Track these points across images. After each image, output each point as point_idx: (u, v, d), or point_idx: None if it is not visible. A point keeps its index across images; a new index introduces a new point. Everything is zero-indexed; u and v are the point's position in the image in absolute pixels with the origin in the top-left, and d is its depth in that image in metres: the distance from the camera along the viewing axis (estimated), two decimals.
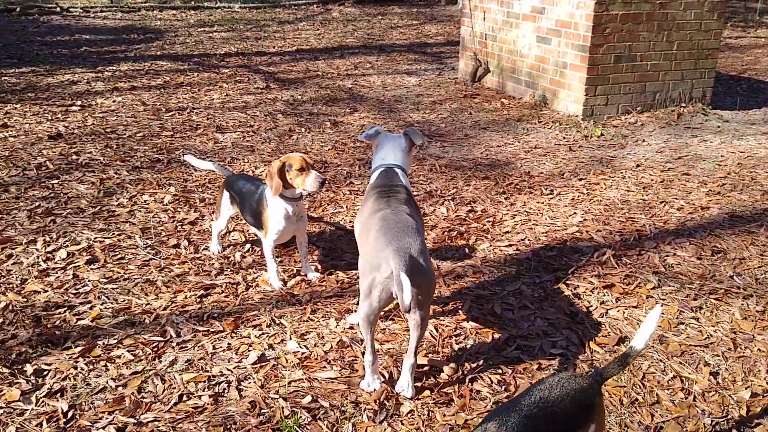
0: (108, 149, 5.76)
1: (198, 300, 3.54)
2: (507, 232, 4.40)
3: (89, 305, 3.46)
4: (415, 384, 2.84)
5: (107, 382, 2.88)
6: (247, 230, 4.30)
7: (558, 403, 2.06)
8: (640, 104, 6.96)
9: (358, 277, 3.40)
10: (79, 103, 7.17)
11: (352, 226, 4.28)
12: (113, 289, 3.62)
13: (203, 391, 2.84)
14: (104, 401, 2.77)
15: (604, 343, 3.21)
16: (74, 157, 5.56)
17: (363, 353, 2.99)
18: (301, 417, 2.69)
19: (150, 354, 3.08)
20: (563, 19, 6.72)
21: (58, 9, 13.89)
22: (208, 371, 2.97)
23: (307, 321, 3.37)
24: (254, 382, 2.91)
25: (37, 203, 4.63)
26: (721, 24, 7.10)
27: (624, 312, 3.48)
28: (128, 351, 3.09)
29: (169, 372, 2.96)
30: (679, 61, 6.97)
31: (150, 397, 2.80)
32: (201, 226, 4.40)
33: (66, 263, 3.87)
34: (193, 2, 15.22)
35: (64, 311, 3.40)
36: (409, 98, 7.70)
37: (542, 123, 6.75)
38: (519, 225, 4.50)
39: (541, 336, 3.27)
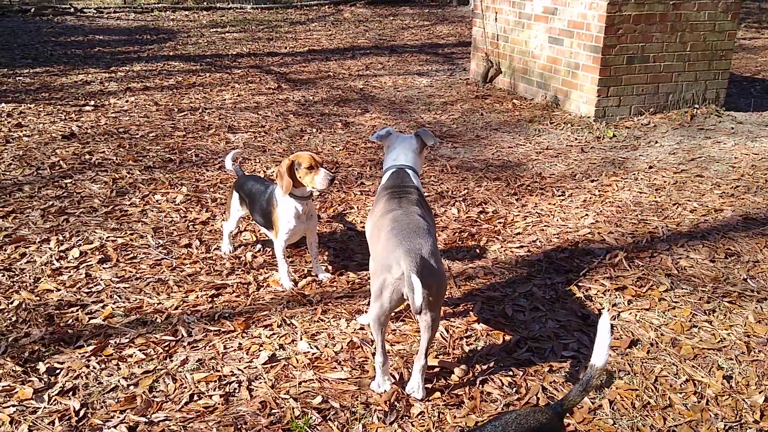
0: (121, 149, 5.79)
1: (209, 300, 3.55)
2: (518, 233, 4.38)
3: (101, 304, 3.48)
4: (426, 385, 2.83)
5: (119, 381, 2.89)
6: (258, 230, 4.31)
7: None
8: (652, 105, 6.92)
9: (368, 278, 3.40)
10: (92, 103, 7.22)
11: (363, 227, 4.28)
12: (125, 288, 3.64)
13: (214, 390, 2.85)
14: (116, 400, 2.78)
15: (616, 346, 3.19)
16: (87, 156, 5.59)
17: (373, 354, 2.98)
18: (311, 417, 2.69)
19: (161, 353, 3.09)
20: (575, 20, 6.70)
21: (72, 10, 14.00)
22: (219, 371, 2.98)
23: (317, 321, 3.38)
24: (265, 382, 2.91)
25: (51, 202, 4.67)
26: (735, 25, 7.05)
27: (636, 314, 3.45)
28: (140, 350, 3.11)
29: (181, 371, 2.97)
30: (692, 62, 6.92)
31: (161, 397, 2.81)
32: (213, 225, 4.41)
33: (79, 262, 3.89)
34: (205, 3, 15.29)
35: (77, 310, 3.42)
36: (421, 99, 7.70)
37: (554, 124, 6.72)
38: (530, 226, 4.48)
39: (552, 338, 3.25)
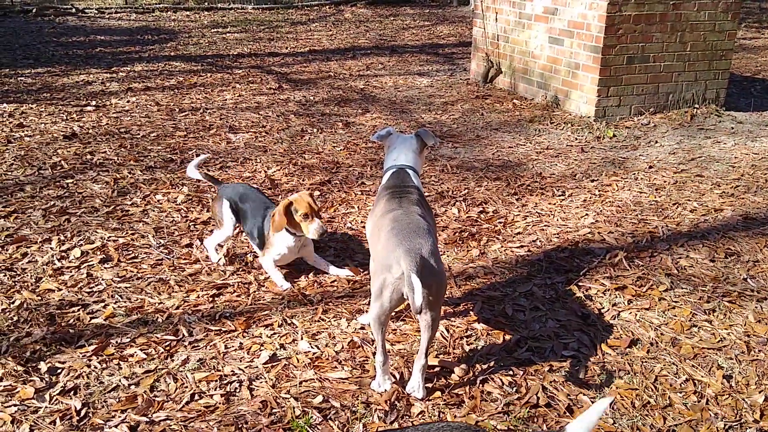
0: (122, 149, 5.80)
1: (210, 299, 3.56)
2: (518, 233, 4.39)
3: (103, 304, 3.49)
4: (426, 385, 2.84)
5: (120, 381, 2.90)
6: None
7: None
8: (652, 105, 6.92)
9: (369, 278, 3.41)
10: (93, 103, 7.23)
11: (364, 227, 4.29)
12: (126, 288, 3.65)
13: (215, 390, 2.86)
14: (117, 399, 2.79)
15: (615, 345, 3.20)
16: (89, 156, 5.61)
17: (374, 354, 2.99)
18: (312, 417, 2.70)
19: (162, 353, 3.10)
20: (576, 20, 6.70)
21: (74, 10, 14.01)
22: (219, 370, 2.99)
23: (318, 321, 3.39)
24: (266, 381, 2.92)
25: (52, 202, 4.68)
26: (735, 25, 7.05)
27: (636, 314, 3.46)
28: (141, 350, 3.11)
29: (182, 371, 2.98)
30: (692, 62, 6.92)
31: (162, 396, 2.82)
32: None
33: (80, 262, 3.90)
34: (206, 3, 15.30)
35: (78, 310, 3.43)
36: (421, 99, 7.70)
37: (554, 124, 6.73)
38: (530, 226, 4.49)
39: (552, 338, 3.26)
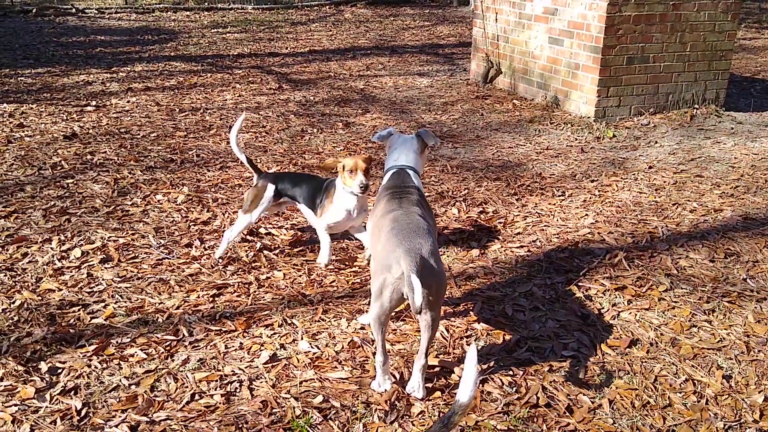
0: (122, 149, 5.81)
1: (210, 299, 3.56)
2: (518, 233, 4.40)
3: (103, 304, 3.49)
4: (426, 385, 2.84)
5: (120, 381, 2.91)
6: (265, 224, 4.33)
7: None
8: (652, 106, 6.93)
9: (369, 278, 3.41)
10: (93, 103, 7.23)
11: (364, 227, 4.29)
12: (127, 288, 3.65)
13: (215, 390, 2.86)
14: (117, 399, 2.80)
15: (615, 345, 3.20)
16: (89, 156, 5.61)
17: (374, 354, 2.99)
18: (312, 417, 2.70)
19: (163, 353, 3.10)
20: (575, 21, 6.71)
21: (74, 10, 14.02)
22: (220, 370, 2.99)
23: (318, 321, 3.39)
24: (266, 381, 2.92)
25: (53, 202, 4.68)
26: (735, 25, 7.05)
27: (636, 314, 3.46)
28: (141, 350, 3.12)
29: (182, 371, 2.98)
30: (692, 62, 6.93)
31: (162, 396, 2.82)
32: (214, 225, 4.43)
33: (80, 262, 3.91)
34: (206, 3, 15.31)
35: (78, 310, 3.43)
36: (421, 99, 7.71)
37: (554, 124, 6.73)
38: (530, 226, 4.49)
39: (552, 338, 3.26)
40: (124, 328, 3.28)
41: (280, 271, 3.87)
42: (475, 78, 8.58)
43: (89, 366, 3.00)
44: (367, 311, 3.40)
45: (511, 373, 3.00)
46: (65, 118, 6.69)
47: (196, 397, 2.82)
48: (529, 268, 3.94)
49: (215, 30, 12.44)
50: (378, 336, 2.77)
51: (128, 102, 7.33)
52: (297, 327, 3.33)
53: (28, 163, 5.42)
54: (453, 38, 11.97)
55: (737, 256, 4.07)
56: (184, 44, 10.89)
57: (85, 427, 2.65)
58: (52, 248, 4.05)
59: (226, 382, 2.92)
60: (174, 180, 5.15)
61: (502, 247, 4.20)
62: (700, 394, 2.89)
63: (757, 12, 15.31)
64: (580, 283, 3.76)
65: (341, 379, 2.95)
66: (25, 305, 3.44)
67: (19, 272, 3.78)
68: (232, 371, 2.99)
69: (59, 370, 2.97)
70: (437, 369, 3.02)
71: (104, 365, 3.01)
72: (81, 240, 4.16)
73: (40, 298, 3.53)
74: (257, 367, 3.02)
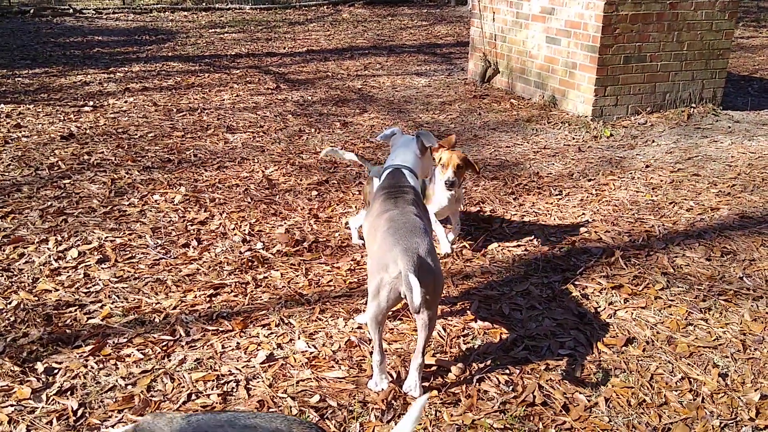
0: (119, 149, 5.80)
1: (207, 299, 3.56)
2: (515, 232, 4.40)
3: (100, 304, 3.49)
4: (423, 384, 2.85)
5: (117, 381, 2.91)
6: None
7: None
8: (649, 105, 6.93)
9: (366, 277, 3.41)
10: (91, 103, 7.23)
11: (361, 227, 4.29)
12: (123, 288, 3.65)
13: (212, 390, 2.86)
14: (114, 399, 2.80)
15: (612, 344, 3.21)
16: (86, 157, 5.61)
17: (371, 353, 3.00)
18: (309, 416, 2.70)
19: (159, 353, 3.10)
20: (573, 20, 6.71)
21: (71, 11, 14.01)
22: (217, 370, 2.99)
23: (315, 321, 3.39)
24: (263, 381, 2.93)
25: (49, 203, 4.68)
26: (733, 24, 7.06)
27: (632, 313, 3.47)
28: (138, 350, 3.12)
29: (179, 371, 2.98)
30: (689, 61, 6.93)
31: (159, 396, 2.82)
32: (211, 225, 4.42)
33: (77, 262, 3.90)
34: (204, 3, 15.30)
35: (75, 310, 3.43)
36: (419, 99, 7.71)
37: (551, 124, 6.74)
38: (528, 225, 4.49)
39: (549, 336, 3.26)
40: (121, 329, 3.28)
41: (277, 270, 3.87)
42: (472, 77, 8.58)
43: (86, 366, 3.00)
44: (364, 311, 3.41)
45: (507, 371, 3.01)
46: (62, 118, 6.69)
47: (193, 397, 2.82)
48: (526, 267, 3.94)
49: (213, 30, 12.43)
50: (375, 335, 2.78)
51: (125, 102, 7.33)
52: (294, 327, 3.33)
53: (25, 163, 5.42)
54: (451, 38, 11.97)
55: (734, 255, 4.07)
56: (181, 44, 10.88)
57: (81, 427, 2.65)
58: (48, 248, 4.05)
59: (222, 381, 2.92)
60: (171, 180, 5.15)
61: (499, 246, 4.21)
62: (696, 392, 2.89)
63: (754, 11, 15.33)
64: (576, 282, 3.76)
65: (338, 378, 2.95)
66: (22, 305, 3.44)
67: (15, 272, 3.78)
68: (229, 371, 2.99)
69: (56, 371, 2.97)
70: (434, 368, 3.02)
71: (101, 365, 3.01)
72: (78, 240, 4.16)
73: (36, 298, 3.53)
74: (254, 366, 3.03)
